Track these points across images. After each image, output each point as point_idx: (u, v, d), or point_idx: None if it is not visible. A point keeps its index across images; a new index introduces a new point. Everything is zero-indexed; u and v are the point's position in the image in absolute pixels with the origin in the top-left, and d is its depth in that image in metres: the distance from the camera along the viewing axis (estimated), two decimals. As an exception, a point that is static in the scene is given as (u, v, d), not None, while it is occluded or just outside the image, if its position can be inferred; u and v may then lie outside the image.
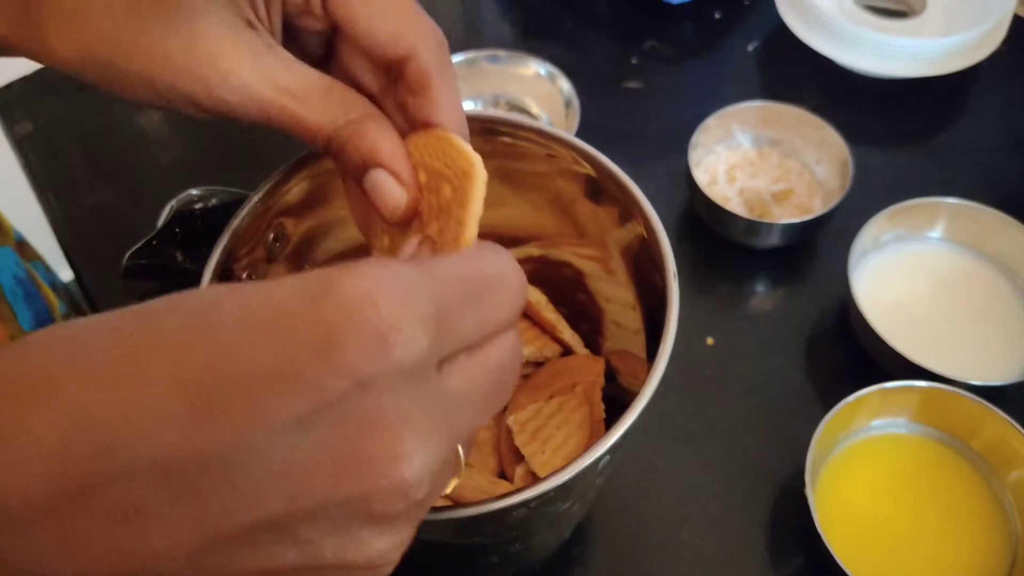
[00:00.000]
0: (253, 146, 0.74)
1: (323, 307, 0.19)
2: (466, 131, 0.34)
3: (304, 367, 0.19)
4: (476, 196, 0.30)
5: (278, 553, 0.20)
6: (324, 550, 0.20)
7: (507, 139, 0.40)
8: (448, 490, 0.24)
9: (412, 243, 0.31)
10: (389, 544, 0.21)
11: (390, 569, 0.22)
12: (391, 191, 0.32)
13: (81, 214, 0.72)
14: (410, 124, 0.34)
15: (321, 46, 0.36)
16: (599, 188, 0.40)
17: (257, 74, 0.31)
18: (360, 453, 0.19)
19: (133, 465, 0.18)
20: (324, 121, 0.32)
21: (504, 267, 0.24)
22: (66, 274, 0.73)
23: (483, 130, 0.39)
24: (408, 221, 0.33)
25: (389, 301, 0.20)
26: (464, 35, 0.82)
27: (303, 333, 0.19)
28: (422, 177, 0.33)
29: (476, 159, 0.31)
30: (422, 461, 0.20)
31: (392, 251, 0.34)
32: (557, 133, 0.39)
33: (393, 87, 0.35)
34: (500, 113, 0.37)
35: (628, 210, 0.38)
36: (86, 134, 0.78)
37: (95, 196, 0.73)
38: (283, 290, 0.20)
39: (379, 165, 0.32)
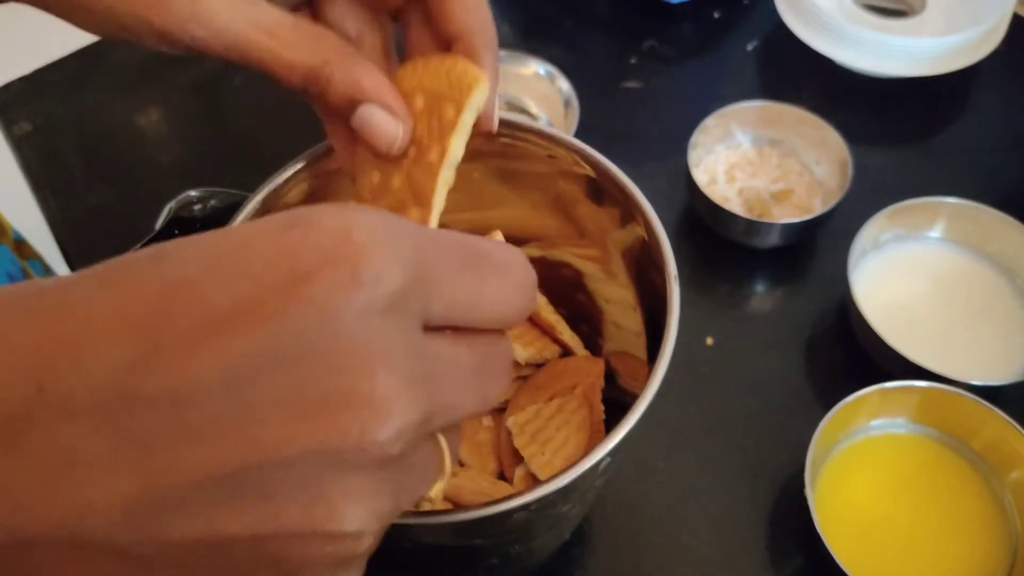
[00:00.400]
0: (253, 147, 0.74)
1: (291, 237, 0.18)
2: (494, 39, 0.33)
3: (267, 299, 0.17)
4: (473, 102, 0.30)
5: (231, 516, 0.17)
6: (286, 511, 0.17)
7: (507, 140, 0.40)
8: (433, 492, 0.23)
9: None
10: (362, 511, 0.18)
11: (362, 549, 0.19)
12: (386, 125, 0.31)
13: (80, 215, 0.72)
14: (435, 40, 0.33)
15: None
16: (600, 189, 0.40)
17: (229, 7, 0.30)
18: (329, 393, 0.17)
19: (71, 405, 0.17)
20: (297, 58, 0.31)
21: (509, 251, 0.23)
22: (65, 274, 0.73)
23: (483, 131, 0.39)
24: (403, 152, 0.32)
25: (366, 235, 0.18)
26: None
27: (267, 264, 0.17)
28: (419, 102, 0.32)
29: (483, 72, 0.30)
30: (399, 408, 0.18)
31: (382, 187, 0.33)
32: (557, 134, 0.39)
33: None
34: (500, 113, 0.37)
35: (629, 212, 0.38)
36: (85, 134, 0.77)
37: (94, 196, 0.73)
38: (247, 226, 0.18)
39: (367, 100, 0.31)
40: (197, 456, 0.17)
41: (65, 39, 0.82)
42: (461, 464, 0.46)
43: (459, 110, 0.30)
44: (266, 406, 0.17)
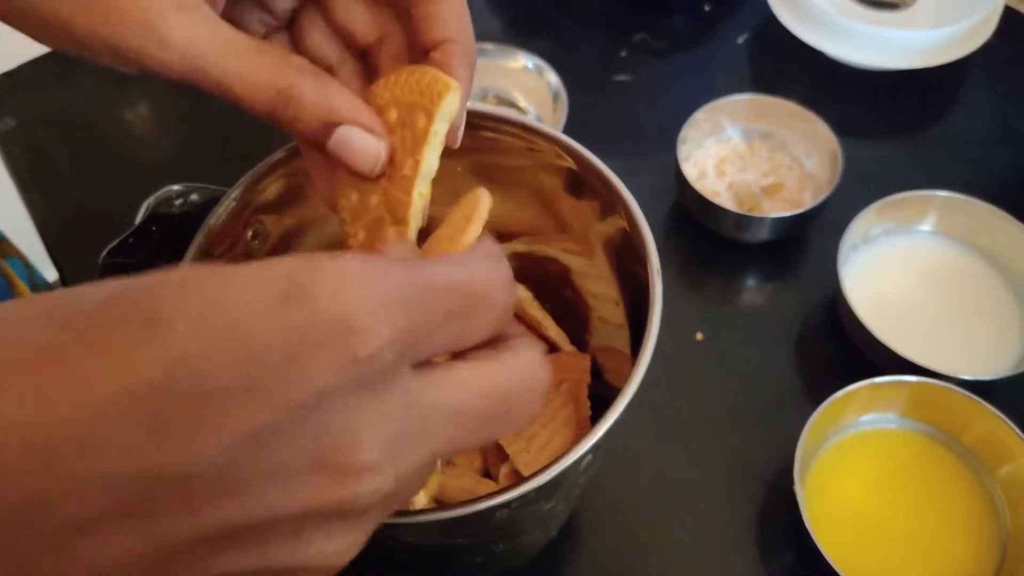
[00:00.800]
0: (239, 142, 0.73)
1: (292, 316, 0.18)
2: (472, 43, 0.32)
3: (268, 381, 0.18)
4: (444, 110, 0.29)
5: (231, 560, 0.19)
6: (278, 555, 0.20)
7: (488, 134, 0.39)
8: (420, 500, 0.24)
9: (389, 235, 0.30)
10: (343, 545, 0.21)
11: (341, 566, 0.21)
12: (367, 146, 0.30)
13: (65, 211, 0.71)
14: (413, 51, 0.33)
15: (289, 9, 0.35)
16: (581, 181, 0.39)
17: (189, 27, 0.29)
18: (319, 464, 0.19)
19: (79, 482, 0.17)
20: (262, 80, 0.30)
21: (494, 281, 0.23)
22: (51, 273, 0.72)
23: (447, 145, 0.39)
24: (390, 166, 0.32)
25: (362, 312, 0.19)
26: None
27: (267, 344, 0.18)
28: (392, 115, 0.31)
29: (453, 80, 0.29)
30: (381, 473, 0.20)
31: (360, 206, 0.32)
32: (537, 126, 0.39)
33: (391, 23, 0.34)
34: (479, 106, 0.36)
35: (611, 204, 0.38)
36: (71, 130, 0.77)
37: (79, 193, 0.72)
38: (247, 290, 0.19)
39: (342, 121, 0.30)
40: (198, 522, 0.18)
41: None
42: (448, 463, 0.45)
43: (430, 119, 0.30)
44: (258, 477, 0.18)
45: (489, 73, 0.70)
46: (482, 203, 0.29)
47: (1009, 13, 0.75)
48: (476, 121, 0.39)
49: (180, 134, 0.77)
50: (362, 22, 0.34)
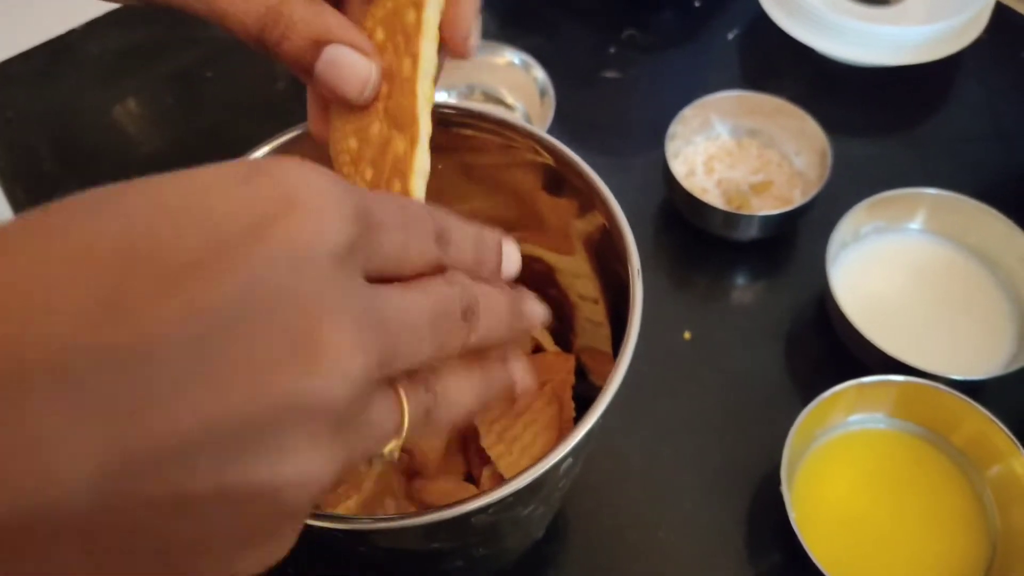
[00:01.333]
0: (225, 138, 0.73)
1: (248, 188, 0.18)
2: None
3: (227, 250, 0.17)
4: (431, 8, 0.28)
5: (198, 474, 0.17)
6: (252, 466, 0.17)
7: (466, 131, 0.39)
8: (386, 450, 0.23)
9: None
10: (326, 456, 0.19)
11: (310, 498, 0.19)
12: (356, 65, 0.29)
13: (49, 209, 0.70)
14: None
15: None
16: (559, 178, 0.38)
17: None
18: (288, 348, 0.18)
19: (28, 367, 0.15)
20: (243, 5, 0.29)
21: (425, 208, 0.24)
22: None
23: (439, 121, 0.38)
24: (375, 95, 0.30)
25: (318, 189, 0.19)
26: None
27: (225, 215, 0.17)
28: (379, 35, 0.30)
29: None
30: (356, 356, 0.19)
31: (362, 146, 0.31)
32: (513, 122, 0.38)
33: None
34: (456, 102, 0.36)
35: (590, 200, 0.37)
36: (55, 127, 0.76)
37: (64, 190, 0.71)
38: (204, 172, 0.18)
39: (332, 39, 0.29)
40: (164, 416, 0.16)
41: (33, 30, 0.81)
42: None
43: (419, 8, 0.28)
44: (229, 362, 0.17)
45: (475, 69, 0.70)
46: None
47: (1000, 9, 0.75)
48: (453, 118, 0.39)
49: (167, 130, 0.76)
50: None
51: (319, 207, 0.18)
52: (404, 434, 0.23)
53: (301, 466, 0.18)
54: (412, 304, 0.22)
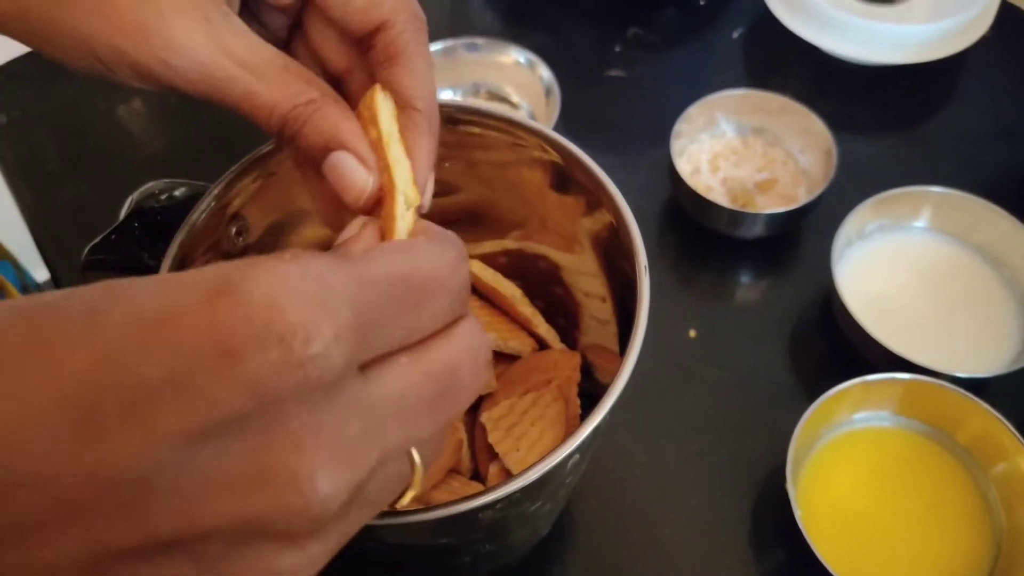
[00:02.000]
0: (230, 138, 0.73)
1: (220, 309, 0.17)
2: (435, 110, 0.31)
3: (197, 379, 0.17)
4: (380, 108, 0.29)
5: (174, 569, 0.18)
6: (224, 566, 0.18)
7: (473, 129, 0.39)
8: (405, 501, 0.23)
9: (354, 226, 0.28)
10: (297, 561, 0.19)
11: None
12: (355, 173, 0.29)
13: (55, 208, 0.70)
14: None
15: (284, 27, 0.35)
16: (566, 176, 0.38)
17: (210, 40, 0.29)
18: (259, 472, 0.18)
19: (12, 481, 0.17)
20: (279, 98, 0.29)
21: (442, 266, 0.22)
22: (41, 273, 0.72)
23: (446, 119, 0.38)
24: (377, 205, 0.31)
25: (298, 306, 0.18)
26: (449, 23, 0.81)
27: (196, 338, 0.17)
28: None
29: (376, 86, 0.29)
30: (331, 479, 0.18)
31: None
32: (520, 120, 0.38)
33: (362, 63, 0.33)
34: (464, 101, 0.36)
35: (597, 198, 0.37)
36: (61, 126, 0.76)
37: (70, 190, 0.72)
38: (179, 286, 0.18)
39: (341, 147, 0.29)
40: (134, 529, 0.17)
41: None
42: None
43: (376, 124, 0.29)
44: (196, 482, 0.17)
45: (481, 68, 0.70)
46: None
47: (1005, 7, 0.75)
48: (461, 116, 0.39)
49: (171, 129, 0.76)
50: (333, 50, 0.34)
51: (292, 336, 0.17)
52: (418, 485, 0.23)
53: (273, 565, 0.19)
54: (416, 388, 0.21)
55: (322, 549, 0.20)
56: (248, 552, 0.18)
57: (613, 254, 0.38)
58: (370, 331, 0.20)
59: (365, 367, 0.20)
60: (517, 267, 0.48)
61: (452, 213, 0.43)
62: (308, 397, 0.18)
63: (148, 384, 0.17)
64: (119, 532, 0.17)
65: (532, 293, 0.48)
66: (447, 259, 0.22)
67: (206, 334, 0.17)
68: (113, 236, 0.44)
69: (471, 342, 0.23)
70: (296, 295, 0.18)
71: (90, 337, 0.17)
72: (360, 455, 0.19)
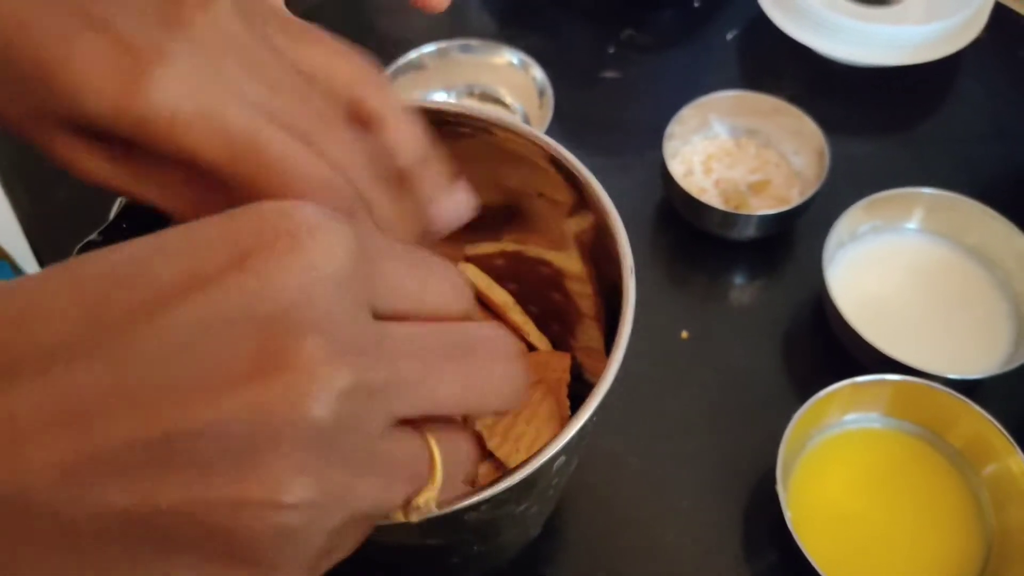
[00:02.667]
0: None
1: (234, 220, 0.18)
2: (421, 152, 0.30)
3: (208, 270, 0.17)
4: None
5: (162, 483, 0.17)
6: (216, 479, 0.17)
7: (461, 129, 0.39)
8: (421, 500, 0.22)
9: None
10: (301, 481, 0.18)
11: (307, 522, 0.18)
12: None
13: (51, 209, 0.70)
14: None
15: None
16: (554, 177, 0.38)
17: None
18: (259, 359, 0.17)
19: (16, 359, 0.17)
20: None
21: (443, 261, 0.23)
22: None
23: (433, 121, 0.38)
24: None
25: (308, 216, 0.18)
26: (446, 25, 0.81)
27: (210, 242, 0.18)
28: None
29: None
30: (329, 372, 0.17)
31: None
32: (507, 120, 0.38)
33: None
34: (445, 101, 0.36)
35: (583, 199, 0.37)
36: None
37: (65, 191, 0.72)
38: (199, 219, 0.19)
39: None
40: (130, 420, 0.17)
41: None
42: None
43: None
44: (197, 372, 0.17)
45: (474, 69, 0.70)
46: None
47: (999, 9, 0.75)
48: (447, 118, 0.39)
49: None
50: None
51: (305, 233, 0.18)
52: (438, 483, 0.22)
53: (269, 484, 0.17)
54: (426, 339, 0.21)
55: (328, 479, 0.18)
56: (250, 462, 0.17)
57: (600, 255, 0.38)
58: (374, 262, 0.20)
59: (378, 316, 0.20)
60: (514, 270, 0.47)
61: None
62: (313, 293, 0.18)
63: (159, 280, 0.18)
64: (118, 425, 0.17)
65: (527, 298, 0.47)
66: (446, 261, 0.23)
67: (220, 236, 0.18)
68: (100, 237, 0.44)
69: (491, 329, 0.23)
70: (305, 209, 0.19)
71: (111, 254, 0.18)
72: (361, 363, 0.18)
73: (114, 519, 0.17)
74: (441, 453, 0.22)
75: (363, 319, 0.19)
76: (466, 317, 0.24)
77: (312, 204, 0.19)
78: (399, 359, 0.20)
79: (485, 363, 0.23)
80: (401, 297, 0.21)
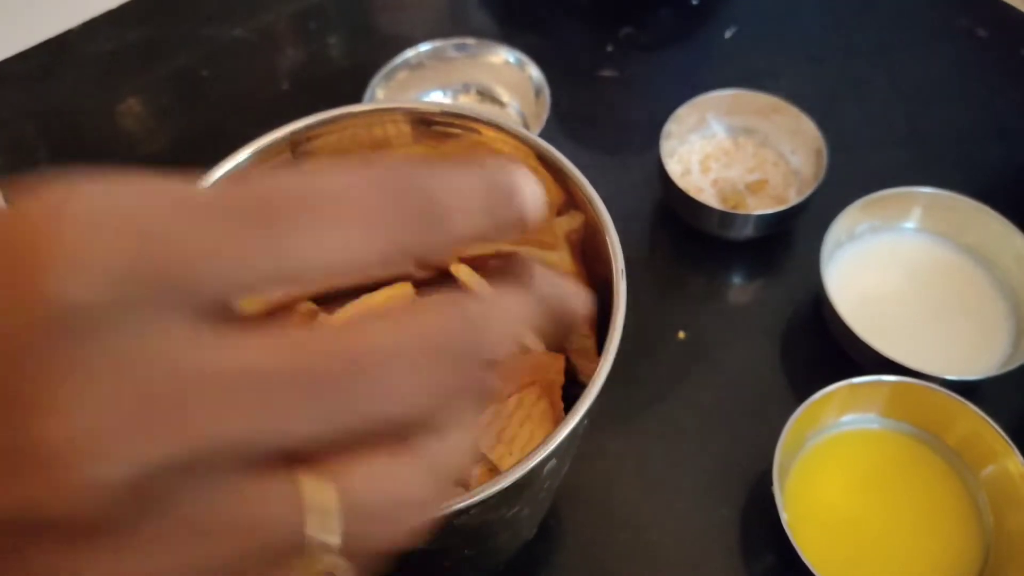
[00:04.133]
0: (223, 137, 0.73)
1: None
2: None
3: None
4: None
5: None
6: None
7: (452, 130, 0.38)
8: (323, 566, 0.16)
9: None
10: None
11: None
12: None
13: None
14: None
15: None
16: (545, 178, 0.38)
17: None
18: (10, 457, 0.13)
19: None
20: None
21: (344, 181, 0.16)
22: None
23: (415, 121, 0.38)
24: None
25: (66, 230, 0.14)
26: (444, 23, 0.81)
27: None
28: None
29: None
30: (101, 456, 0.13)
31: None
32: (491, 119, 0.38)
33: None
34: (436, 103, 0.35)
35: (574, 199, 0.37)
36: (52, 127, 0.76)
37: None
38: None
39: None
40: None
41: (31, 30, 0.81)
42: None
43: None
44: None
45: (471, 68, 0.70)
46: None
47: (999, 8, 0.74)
48: (438, 119, 0.38)
49: (165, 130, 0.76)
50: None
51: (50, 261, 0.14)
52: (331, 537, 0.16)
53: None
54: (255, 363, 0.15)
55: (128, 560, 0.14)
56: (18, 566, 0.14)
57: (591, 255, 0.38)
58: (177, 261, 0.15)
59: (214, 318, 0.15)
60: (508, 271, 0.47)
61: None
62: (59, 351, 0.14)
63: None
64: None
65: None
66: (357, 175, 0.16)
67: None
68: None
69: (413, 319, 0.16)
70: (74, 213, 0.14)
71: None
72: (162, 426, 0.14)
73: None
74: (318, 497, 0.16)
75: (140, 359, 0.14)
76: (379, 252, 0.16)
77: (85, 200, 0.15)
78: (200, 409, 0.14)
79: (381, 388, 0.16)
80: (244, 282, 0.15)
